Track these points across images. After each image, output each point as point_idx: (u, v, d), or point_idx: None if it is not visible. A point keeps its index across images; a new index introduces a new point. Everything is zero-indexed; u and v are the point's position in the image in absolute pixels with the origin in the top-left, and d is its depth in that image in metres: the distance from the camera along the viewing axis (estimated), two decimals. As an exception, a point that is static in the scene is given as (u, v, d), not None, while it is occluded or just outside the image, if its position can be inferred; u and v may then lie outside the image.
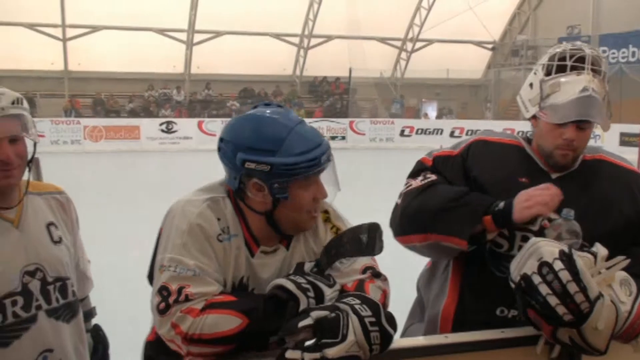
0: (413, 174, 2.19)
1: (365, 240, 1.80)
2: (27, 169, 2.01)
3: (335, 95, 27.28)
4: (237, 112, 24.75)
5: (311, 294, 1.71)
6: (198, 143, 22.89)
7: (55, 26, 24.16)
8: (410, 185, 2.12)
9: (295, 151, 1.78)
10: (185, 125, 23.44)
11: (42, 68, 24.18)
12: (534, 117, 2.07)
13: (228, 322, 1.68)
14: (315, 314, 1.62)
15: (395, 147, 24.07)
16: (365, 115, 26.68)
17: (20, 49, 23.25)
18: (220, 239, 1.84)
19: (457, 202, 1.97)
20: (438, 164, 2.17)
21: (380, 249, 1.82)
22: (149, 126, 23.01)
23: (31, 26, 23.75)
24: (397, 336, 1.71)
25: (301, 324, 1.60)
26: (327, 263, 1.82)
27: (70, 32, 24.52)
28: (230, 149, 1.84)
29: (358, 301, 1.68)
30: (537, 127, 2.07)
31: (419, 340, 1.92)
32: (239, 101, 25.78)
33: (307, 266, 1.83)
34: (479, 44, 29.73)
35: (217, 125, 23.46)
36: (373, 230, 1.81)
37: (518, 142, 2.17)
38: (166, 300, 1.72)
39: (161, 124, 23.26)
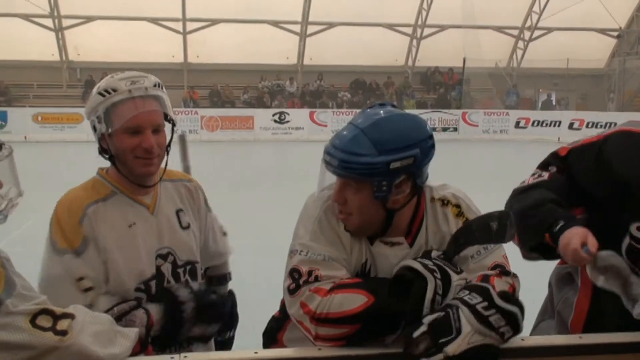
0: (540, 166, 2.11)
1: (495, 228, 1.76)
2: (165, 155, 2.12)
3: (448, 86, 26.74)
4: (348, 103, 24.85)
5: (438, 275, 1.70)
6: (309, 133, 23.18)
7: (176, 20, 25.15)
8: (524, 182, 2.07)
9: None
10: (298, 116, 23.77)
11: (163, 60, 25.27)
12: None
13: (354, 300, 1.70)
14: (427, 319, 1.63)
15: (510, 139, 23.36)
16: (479, 107, 26.01)
17: (143, 43, 24.40)
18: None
19: (531, 212, 1.90)
20: (573, 155, 2.05)
21: (511, 237, 1.79)
22: (262, 116, 23.53)
23: (154, 20, 24.87)
24: (526, 333, 1.64)
25: (416, 333, 1.61)
26: (455, 251, 1.81)
27: (190, 26, 25.45)
28: None
29: (466, 292, 1.67)
30: None
31: (551, 339, 1.84)
32: (350, 92, 25.85)
33: (435, 253, 1.82)
34: (603, 31, 28.16)
35: (328, 116, 23.66)
36: (504, 218, 1.78)
37: None
38: (297, 282, 1.80)
39: (274, 115, 23.72)
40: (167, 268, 2.14)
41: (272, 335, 2.22)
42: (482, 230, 1.77)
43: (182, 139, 2.99)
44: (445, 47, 26.46)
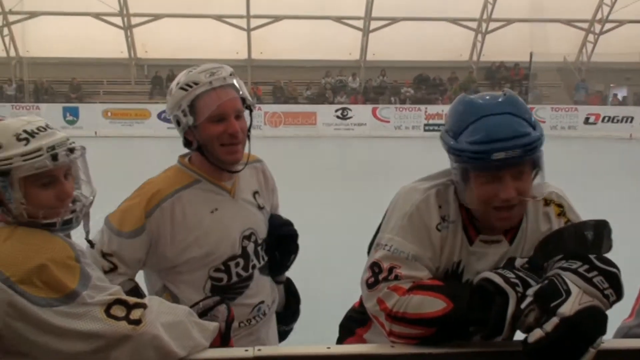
0: None
1: (591, 237, 1.67)
2: (247, 141, 2.21)
3: (514, 82, 26.17)
4: (411, 99, 24.65)
5: (520, 289, 1.64)
6: (372, 129, 23.12)
7: (240, 17, 25.48)
8: None
9: (467, 139, 1.71)
10: (360, 112, 23.73)
11: (228, 57, 25.61)
12: None
13: (433, 304, 1.68)
14: (531, 290, 1.60)
15: (579, 135, 22.68)
16: (546, 102, 25.35)
17: (208, 40, 24.82)
18: (439, 228, 1.85)
19: None
20: None
21: (609, 248, 1.69)
22: (325, 112, 23.58)
23: (219, 18, 25.26)
24: (609, 336, 1.59)
25: (523, 305, 1.58)
26: (543, 258, 1.73)
27: (254, 23, 25.73)
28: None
29: (562, 261, 1.63)
30: None
31: (630, 342, 1.76)
32: (413, 88, 25.64)
33: (519, 262, 1.75)
34: (679, 23, 27.07)
35: (390, 112, 23.53)
36: (600, 227, 1.69)
37: None
38: (376, 276, 1.78)
39: (336, 110, 23.74)
40: (251, 248, 2.26)
41: (350, 328, 2.20)
42: (576, 240, 1.69)
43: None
44: (511, 42, 25.94)
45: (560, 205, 1.91)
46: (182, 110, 2.09)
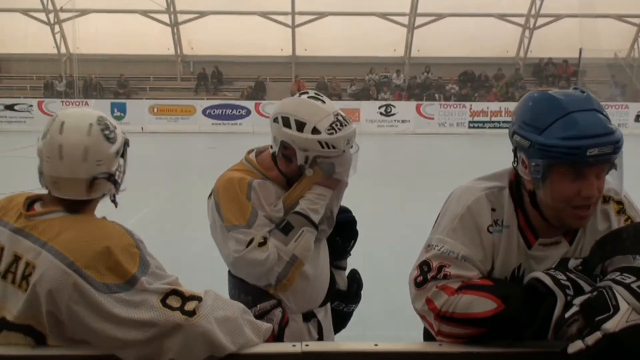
0: None
1: None
2: None
3: (563, 79, 25.66)
4: (456, 95, 24.39)
5: (570, 291, 1.61)
6: (415, 126, 22.97)
7: (285, 14, 25.57)
8: None
9: (559, 135, 1.65)
10: (404, 109, 23.59)
11: (272, 54, 25.80)
12: None
13: (483, 305, 1.66)
14: (578, 299, 1.56)
15: (629, 133, 22.06)
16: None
17: (253, 36, 24.98)
18: (490, 231, 1.82)
19: None
20: None
21: None
22: (368, 109, 23.52)
23: (264, 14, 25.39)
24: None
25: (568, 314, 1.55)
26: (600, 259, 1.69)
27: (299, 19, 25.80)
28: (512, 122, 1.81)
29: (617, 273, 1.57)
30: None
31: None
32: (458, 84, 25.37)
33: (572, 263, 1.71)
34: None
35: (435, 109, 23.33)
36: None
37: None
38: (424, 275, 1.77)
39: (380, 107, 23.66)
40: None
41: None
42: (636, 240, 1.63)
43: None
44: (560, 37, 25.41)
45: (619, 202, 1.85)
46: (306, 155, 2.27)
